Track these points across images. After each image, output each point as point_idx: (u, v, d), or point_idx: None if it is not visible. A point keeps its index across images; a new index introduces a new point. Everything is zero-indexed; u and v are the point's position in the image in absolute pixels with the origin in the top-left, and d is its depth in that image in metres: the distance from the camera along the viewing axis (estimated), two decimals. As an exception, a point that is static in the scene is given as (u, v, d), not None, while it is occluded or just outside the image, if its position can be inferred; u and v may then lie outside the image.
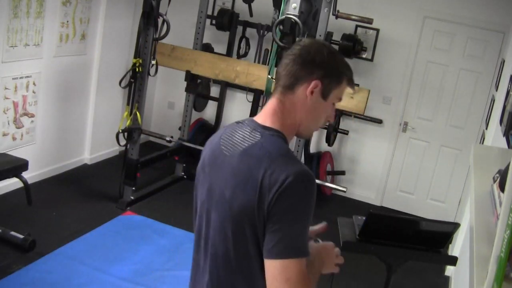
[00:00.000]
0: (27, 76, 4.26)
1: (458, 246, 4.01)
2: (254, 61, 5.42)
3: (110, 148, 5.50)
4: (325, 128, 5.30)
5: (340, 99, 1.48)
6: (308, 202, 1.32)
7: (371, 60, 5.39)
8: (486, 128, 4.25)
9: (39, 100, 4.45)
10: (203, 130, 5.80)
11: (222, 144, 1.47)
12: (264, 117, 1.44)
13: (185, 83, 5.13)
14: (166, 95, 6.26)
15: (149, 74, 4.40)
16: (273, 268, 1.29)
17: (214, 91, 5.86)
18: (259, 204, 1.31)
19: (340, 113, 5.29)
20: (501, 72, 4.26)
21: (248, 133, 1.42)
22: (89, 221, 4.10)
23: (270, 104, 1.45)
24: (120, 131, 4.34)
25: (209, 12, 5.49)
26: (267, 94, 4.31)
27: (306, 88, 1.41)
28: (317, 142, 5.75)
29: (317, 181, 4.98)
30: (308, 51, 1.42)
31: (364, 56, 5.39)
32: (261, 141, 1.38)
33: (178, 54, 4.92)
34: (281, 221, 1.29)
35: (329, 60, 1.43)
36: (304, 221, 1.31)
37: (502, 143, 2.86)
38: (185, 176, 5.37)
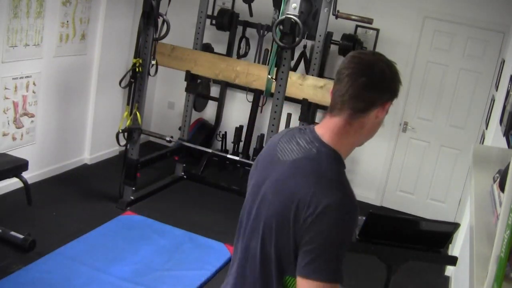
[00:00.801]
0: (27, 76, 4.26)
1: (458, 246, 4.01)
2: (254, 61, 5.42)
3: (110, 148, 5.50)
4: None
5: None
6: (344, 231, 1.32)
7: (371, 60, 5.39)
8: (486, 128, 4.25)
9: (39, 100, 4.45)
10: (203, 130, 5.80)
11: (279, 147, 1.49)
12: (325, 131, 1.44)
13: (185, 83, 5.13)
14: (166, 95, 6.26)
15: (149, 74, 4.40)
16: (304, 286, 1.31)
17: (214, 91, 5.86)
18: (294, 218, 1.33)
19: (340, 113, 5.28)
20: (501, 72, 4.26)
21: (304, 144, 1.43)
22: (89, 221, 4.10)
23: (336, 122, 1.42)
24: (120, 131, 4.34)
25: (209, 12, 5.49)
26: (267, 94, 4.31)
27: (379, 112, 1.42)
28: (317, 142, 5.75)
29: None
30: (377, 74, 1.43)
31: (364, 56, 5.38)
32: (315, 156, 1.39)
33: (178, 54, 4.92)
34: (315, 243, 1.30)
35: (393, 79, 1.46)
36: (339, 247, 1.31)
37: (502, 143, 2.86)
38: (185, 176, 5.37)
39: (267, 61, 5.25)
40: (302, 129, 1.49)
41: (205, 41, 5.42)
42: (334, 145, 1.41)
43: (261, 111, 5.63)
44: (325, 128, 1.44)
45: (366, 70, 1.41)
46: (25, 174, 3.65)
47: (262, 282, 1.46)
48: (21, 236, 3.53)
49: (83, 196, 4.58)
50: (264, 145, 4.55)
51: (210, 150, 5.23)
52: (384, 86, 1.42)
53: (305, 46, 5.24)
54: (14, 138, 4.28)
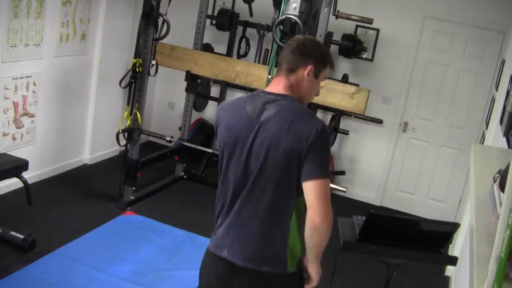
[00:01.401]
0: (27, 76, 4.26)
1: (458, 246, 4.01)
2: (254, 61, 5.42)
3: (110, 148, 5.50)
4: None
5: (325, 78, 2.08)
6: (329, 143, 1.93)
7: (371, 60, 5.40)
8: (486, 128, 4.25)
9: (39, 100, 4.45)
10: (203, 130, 5.80)
11: (249, 110, 1.94)
12: (276, 88, 1.97)
13: (185, 83, 5.13)
14: (166, 95, 6.26)
15: (149, 74, 4.40)
16: (313, 187, 1.84)
17: (214, 91, 5.86)
18: (304, 146, 1.84)
19: (340, 113, 5.29)
20: (501, 72, 4.26)
21: (271, 101, 1.93)
22: (89, 221, 4.10)
23: (279, 82, 1.98)
24: (120, 131, 4.34)
25: (209, 12, 5.49)
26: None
27: (304, 71, 1.95)
28: (317, 142, 5.75)
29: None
30: (303, 45, 1.98)
31: (364, 56, 5.39)
32: (288, 104, 1.92)
33: (178, 54, 4.92)
34: (317, 155, 1.84)
35: (316, 50, 1.99)
36: (327, 155, 1.90)
37: (502, 143, 2.86)
38: (185, 176, 5.37)
39: (267, 61, 5.25)
40: (255, 94, 1.99)
41: (205, 41, 5.42)
42: (290, 95, 1.96)
43: (261, 111, 5.62)
44: (275, 87, 1.98)
45: (299, 44, 1.98)
46: (25, 174, 3.65)
47: (276, 223, 1.92)
48: (21, 236, 3.53)
49: (83, 196, 4.58)
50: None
51: (210, 150, 5.23)
52: (307, 53, 1.96)
53: (305, 46, 5.23)
54: (14, 138, 4.28)
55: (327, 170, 1.88)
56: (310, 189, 1.84)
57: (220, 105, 2.12)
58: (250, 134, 1.91)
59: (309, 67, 1.95)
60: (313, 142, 1.83)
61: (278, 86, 1.97)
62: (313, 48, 1.99)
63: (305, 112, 1.91)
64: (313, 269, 1.98)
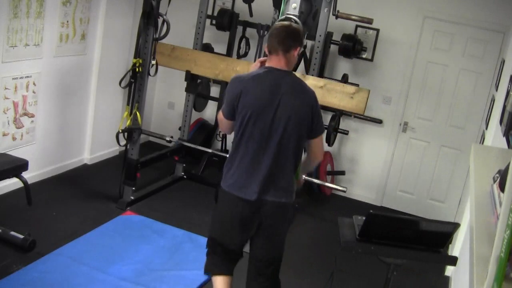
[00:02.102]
0: (27, 76, 4.26)
1: (458, 246, 4.01)
2: (254, 61, 5.40)
3: (110, 148, 5.50)
4: (325, 128, 5.30)
5: None
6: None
7: (371, 60, 5.40)
8: (486, 128, 4.25)
9: (39, 100, 4.46)
10: (203, 130, 5.80)
11: (270, 82, 2.60)
12: (280, 65, 2.64)
13: (185, 83, 5.13)
14: (166, 95, 6.26)
15: (149, 74, 4.40)
16: (318, 141, 2.72)
17: (214, 91, 5.86)
18: (310, 114, 2.61)
19: (340, 113, 5.29)
20: (501, 72, 4.26)
21: (283, 74, 2.63)
22: (89, 221, 4.10)
23: (280, 60, 2.64)
24: (120, 131, 4.34)
25: (209, 12, 5.49)
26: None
27: (295, 52, 2.65)
28: (317, 142, 5.75)
29: (317, 181, 4.99)
30: (295, 31, 2.68)
31: (364, 56, 5.39)
32: (295, 79, 2.68)
33: (178, 54, 4.92)
34: (318, 119, 2.67)
35: (302, 36, 2.72)
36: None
37: (502, 143, 2.86)
38: (185, 176, 5.37)
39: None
40: (268, 71, 2.63)
41: (205, 41, 5.42)
42: (289, 70, 2.69)
43: (261, 111, 5.63)
44: (279, 64, 2.64)
45: (288, 30, 2.66)
46: (25, 174, 3.65)
47: (290, 170, 2.67)
48: (21, 236, 3.53)
49: (83, 196, 4.58)
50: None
51: (210, 150, 5.23)
52: (298, 38, 2.66)
53: (305, 46, 5.24)
54: (14, 138, 4.28)
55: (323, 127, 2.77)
56: (317, 143, 2.73)
57: (237, 78, 2.66)
58: (274, 101, 2.56)
59: (298, 49, 2.66)
60: (315, 108, 2.64)
61: (280, 63, 2.64)
62: (300, 34, 2.70)
63: (304, 84, 2.70)
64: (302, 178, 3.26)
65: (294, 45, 2.62)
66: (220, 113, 2.72)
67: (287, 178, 2.66)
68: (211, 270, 2.83)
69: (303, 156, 2.82)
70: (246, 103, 2.56)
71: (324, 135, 2.79)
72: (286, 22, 2.91)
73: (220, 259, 2.80)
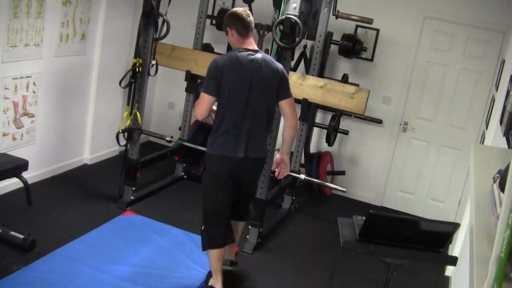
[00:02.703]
0: (27, 76, 4.26)
1: (458, 246, 4.01)
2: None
3: (110, 148, 5.50)
4: (325, 128, 5.30)
5: None
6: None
7: (371, 60, 5.40)
8: (486, 128, 4.25)
9: (39, 100, 4.46)
10: (203, 130, 5.79)
11: (244, 61, 3.12)
12: (252, 47, 3.21)
13: (185, 83, 5.13)
14: (166, 95, 6.26)
15: (149, 74, 4.40)
16: (289, 101, 3.24)
17: (214, 91, 5.85)
18: (278, 82, 3.18)
19: (340, 113, 5.29)
20: (501, 72, 4.25)
21: (254, 53, 3.17)
22: (89, 221, 4.10)
23: (250, 42, 3.21)
24: (120, 131, 4.34)
25: (209, 12, 5.49)
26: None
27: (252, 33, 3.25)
28: (317, 142, 5.76)
29: (317, 181, 4.99)
30: (250, 15, 3.21)
31: (364, 56, 5.39)
32: (264, 55, 3.20)
33: (178, 54, 4.92)
34: (286, 83, 3.23)
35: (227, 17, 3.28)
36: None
37: (502, 143, 2.86)
38: (185, 176, 5.37)
39: (267, 61, 5.24)
40: (243, 51, 3.15)
41: (205, 41, 5.42)
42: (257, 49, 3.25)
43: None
44: (250, 45, 3.20)
45: (250, 15, 3.24)
46: (25, 174, 3.65)
47: (264, 128, 3.24)
48: (21, 236, 3.53)
49: (83, 196, 4.58)
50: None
51: (210, 150, 5.22)
52: (252, 20, 3.24)
53: (305, 46, 5.24)
54: (14, 138, 4.28)
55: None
56: (288, 103, 3.24)
57: (218, 60, 3.13)
58: (250, 75, 3.11)
59: (253, 30, 3.27)
60: (283, 76, 3.22)
61: (251, 45, 3.21)
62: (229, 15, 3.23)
63: (272, 59, 3.26)
64: (288, 158, 3.45)
65: (252, 26, 3.21)
66: (203, 94, 3.11)
67: (263, 134, 3.26)
68: (210, 244, 3.24)
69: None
70: (228, 79, 3.08)
71: (293, 99, 3.28)
72: (240, 9, 3.28)
73: (217, 230, 3.23)
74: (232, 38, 3.20)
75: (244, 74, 3.09)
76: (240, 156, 3.11)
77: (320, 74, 4.91)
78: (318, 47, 4.66)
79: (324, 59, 5.08)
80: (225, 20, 3.25)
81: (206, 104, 3.10)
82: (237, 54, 3.12)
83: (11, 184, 4.14)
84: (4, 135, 4.17)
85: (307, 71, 4.93)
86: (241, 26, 3.14)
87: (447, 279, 4.26)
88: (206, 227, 3.24)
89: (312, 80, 4.59)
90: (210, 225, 3.23)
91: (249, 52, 3.14)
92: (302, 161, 5.20)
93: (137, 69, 4.29)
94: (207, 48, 5.49)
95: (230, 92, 3.09)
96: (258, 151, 3.21)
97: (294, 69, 5.23)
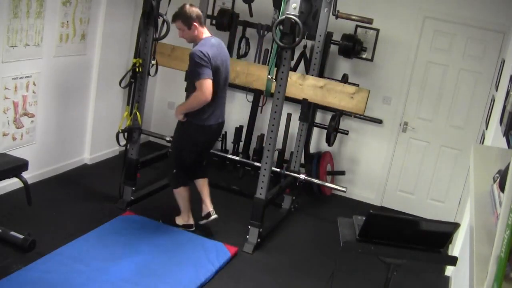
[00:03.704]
0: (27, 76, 4.26)
1: (458, 246, 4.01)
2: (254, 61, 5.42)
3: (110, 148, 5.50)
4: (325, 128, 5.30)
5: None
6: None
7: (371, 60, 5.40)
8: (486, 128, 4.25)
9: (39, 100, 4.46)
10: (203, 130, 5.80)
11: (218, 48, 3.86)
12: (208, 32, 3.92)
13: (185, 83, 5.11)
14: (166, 95, 6.26)
15: (149, 74, 4.40)
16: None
17: (214, 91, 5.85)
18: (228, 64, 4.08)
19: (340, 113, 5.29)
20: (501, 72, 4.26)
21: (214, 38, 3.92)
22: (89, 221, 4.10)
23: (207, 31, 3.94)
24: (120, 131, 4.34)
25: (209, 12, 5.49)
26: (267, 94, 4.31)
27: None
28: (317, 142, 5.76)
29: (317, 181, 4.99)
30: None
31: (364, 56, 5.39)
32: (220, 41, 4.00)
33: (178, 54, 4.92)
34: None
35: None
36: None
37: (502, 143, 2.86)
38: (185, 176, 5.36)
39: (267, 61, 5.25)
40: (212, 38, 3.90)
41: (205, 41, 5.41)
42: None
43: (261, 111, 5.64)
44: (209, 33, 3.96)
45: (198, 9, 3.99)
46: (25, 174, 3.65)
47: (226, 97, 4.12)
48: (21, 236, 3.53)
49: (83, 196, 4.58)
50: (263, 144, 4.57)
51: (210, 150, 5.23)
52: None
53: (305, 46, 5.24)
54: (14, 138, 4.28)
55: None
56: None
57: (207, 51, 3.71)
58: (225, 57, 3.94)
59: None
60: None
61: (209, 32, 3.94)
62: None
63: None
64: (178, 108, 3.99)
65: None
66: (206, 80, 3.70)
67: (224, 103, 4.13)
68: (181, 183, 4.13)
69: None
70: (216, 64, 3.77)
71: None
72: (187, 4, 3.86)
73: (186, 175, 4.17)
74: (197, 31, 3.83)
75: (222, 57, 3.87)
76: (220, 121, 4.00)
77: (320, 74, 4.91)
78: (318, 47, 4.66)
79: (324, 59, 5.08)
80: (186, 18, 3.78)
81: (211, 88, 3.72)
82: (212, 42, 3.83)
83: (11, 184, 4.14)
84: (4, 135, 4.17)
85: (307, 71, 4.93)
86: (200, 17, 3.85)
87: (447, 279, 4.26)
88: (177, 172, 4.11)
89: (312, 80, 4.60)
90: (180, 170, 4.11)
91: (213, 38, 3.89)
92: (302, 161, 5.20)
93: (137, 69, 4.29)
94: (207, 48, 5.48)
95: (219, 73, 3.84)
96: (223, 116, 4.09)
97: (294, 69, 5.23)
